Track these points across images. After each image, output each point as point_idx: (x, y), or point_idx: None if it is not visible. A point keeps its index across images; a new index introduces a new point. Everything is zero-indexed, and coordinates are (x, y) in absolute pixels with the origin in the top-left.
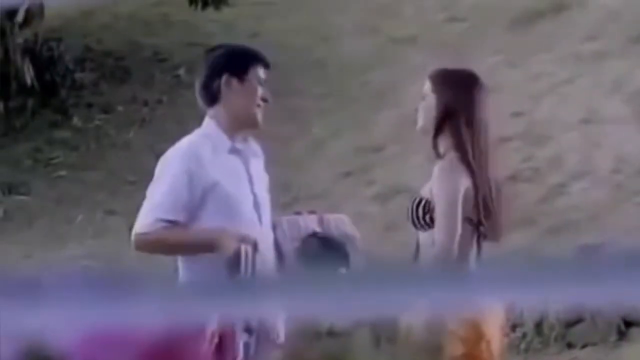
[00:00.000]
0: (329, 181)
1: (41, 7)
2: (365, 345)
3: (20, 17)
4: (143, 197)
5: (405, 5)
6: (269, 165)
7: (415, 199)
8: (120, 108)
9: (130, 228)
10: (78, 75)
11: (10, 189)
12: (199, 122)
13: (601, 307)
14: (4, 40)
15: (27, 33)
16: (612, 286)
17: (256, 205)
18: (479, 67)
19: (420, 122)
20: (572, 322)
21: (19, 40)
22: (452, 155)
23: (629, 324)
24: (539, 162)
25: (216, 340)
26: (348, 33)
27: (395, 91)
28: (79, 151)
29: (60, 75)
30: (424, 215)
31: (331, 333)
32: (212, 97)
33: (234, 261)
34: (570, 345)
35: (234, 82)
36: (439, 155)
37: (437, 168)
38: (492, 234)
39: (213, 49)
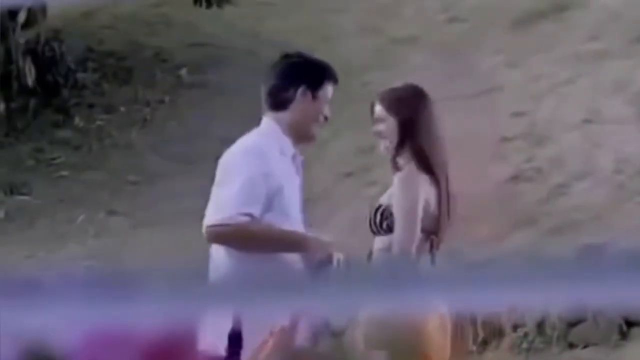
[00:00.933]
0: (330, 182)
1: (43, 8)
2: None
3: (22, 17)
4: (145, 197)
5: (406, 5)
6: None
7: (374, 206)
8: (122, 108)
9: (132, 228)
10: (80, 76)
11: (12, 189)
12: (200, 122)
13: (603, 307)
14: (6, 41)
15: (29, 33)
16: (613, 286)
17: (299, 213)
18: (480, 67)
19: (385, 144)
20: (574, 322)
21: (21, 40)
22: (412, 166)
23: (630, 324)
24: (541, 162)
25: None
26: (349, 33)
27: None
28: (80, 151)
29: (62, 76)
30: (381, 221)
31: (331, 333)
32: (281, 104)
33: (324, 266)
34: (571, 345)
35: (309, 95)
36: (398, 169)
37: (397, 178)
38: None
39: (289, 56)
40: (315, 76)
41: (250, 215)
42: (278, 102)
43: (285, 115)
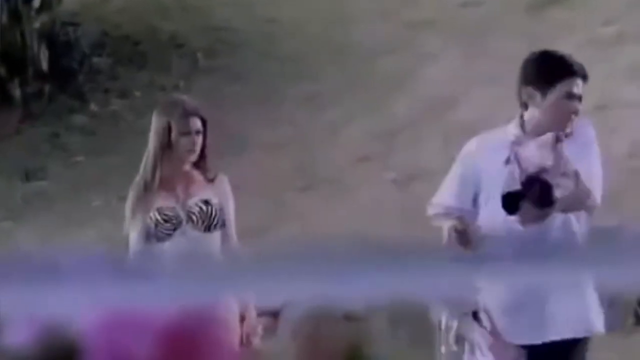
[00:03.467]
0: (342, 166)
1: None
2: (382, 330)
3: (37, 2)
4: None
5: None
6: (286, 151)
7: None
8: (137, 93)
9: None
10: (95, 61)
11: (28, 175)
12: (216, 107)
13: (618, 292)
14: (20, 26)
15: (44, 18)
16: (628, 270)
17: None
18: (496, 52)
19: None
20: None
21: (36, 25)
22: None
23: None
24: None
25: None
26: (364, 17)
27: (411, 76)
28: (95, 136)
29: (77, 61)
30: None
31: (348, 317)
32: None
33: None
34: None
35: None
36: None
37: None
38: None
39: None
40: None
41: None
42: None
43: None
